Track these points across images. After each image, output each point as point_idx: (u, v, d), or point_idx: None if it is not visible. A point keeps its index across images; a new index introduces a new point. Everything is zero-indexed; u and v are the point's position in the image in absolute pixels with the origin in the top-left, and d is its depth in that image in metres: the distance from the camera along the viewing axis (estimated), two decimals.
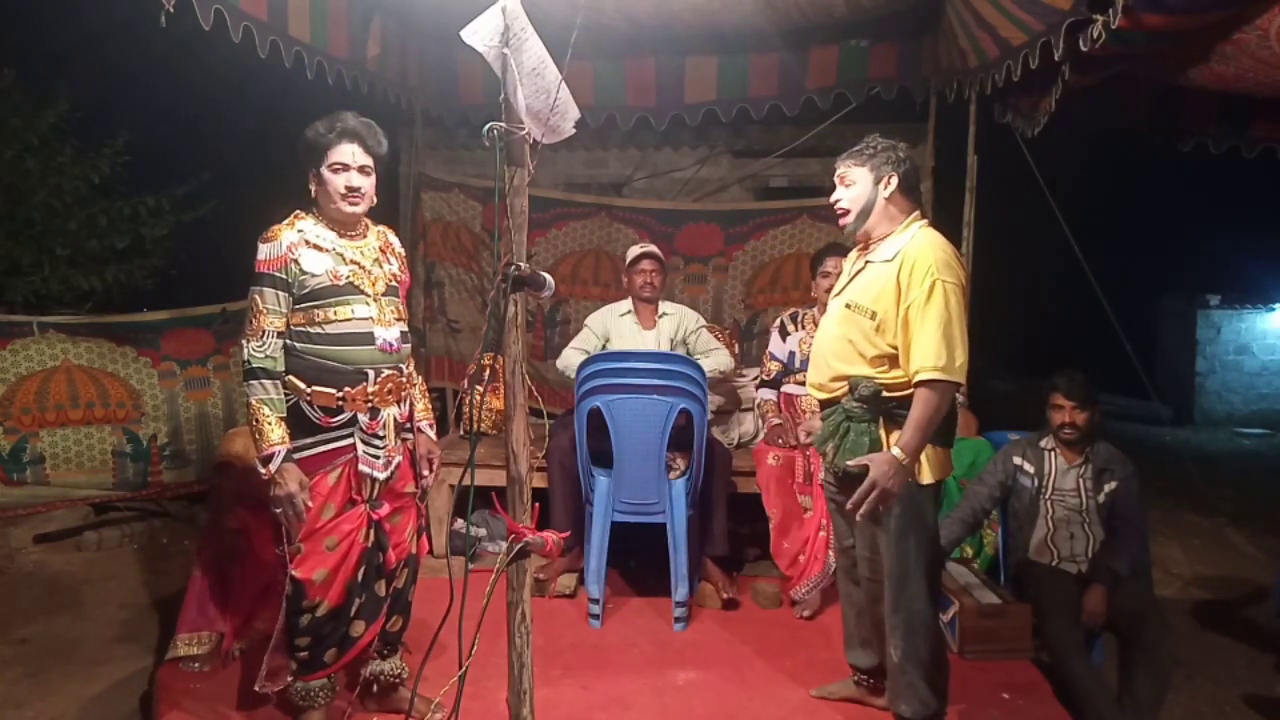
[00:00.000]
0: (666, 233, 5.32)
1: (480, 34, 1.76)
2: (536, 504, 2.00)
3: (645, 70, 5.11)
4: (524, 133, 1.79)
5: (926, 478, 2.50)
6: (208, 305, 5.15)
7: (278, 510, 2.41)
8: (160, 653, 3.33)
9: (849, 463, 2.49)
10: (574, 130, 1.90)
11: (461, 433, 4.82)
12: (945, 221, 4.80)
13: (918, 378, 2.41)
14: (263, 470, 2.38)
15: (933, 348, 2.38)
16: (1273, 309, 12.66)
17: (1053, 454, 3.45)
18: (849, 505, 2.48)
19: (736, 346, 4.98)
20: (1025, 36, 3.36)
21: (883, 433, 2.51)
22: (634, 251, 4.26)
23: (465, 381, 4.83)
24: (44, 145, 4.78)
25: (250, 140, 5.28)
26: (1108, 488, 3.37)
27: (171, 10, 2.86)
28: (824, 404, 2.71)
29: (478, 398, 4.13)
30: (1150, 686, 3.02)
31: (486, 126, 1.79)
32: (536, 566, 3.79)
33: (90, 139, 5.00)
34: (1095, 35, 2.76)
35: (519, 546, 1.91)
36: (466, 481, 2.96)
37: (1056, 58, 3.08)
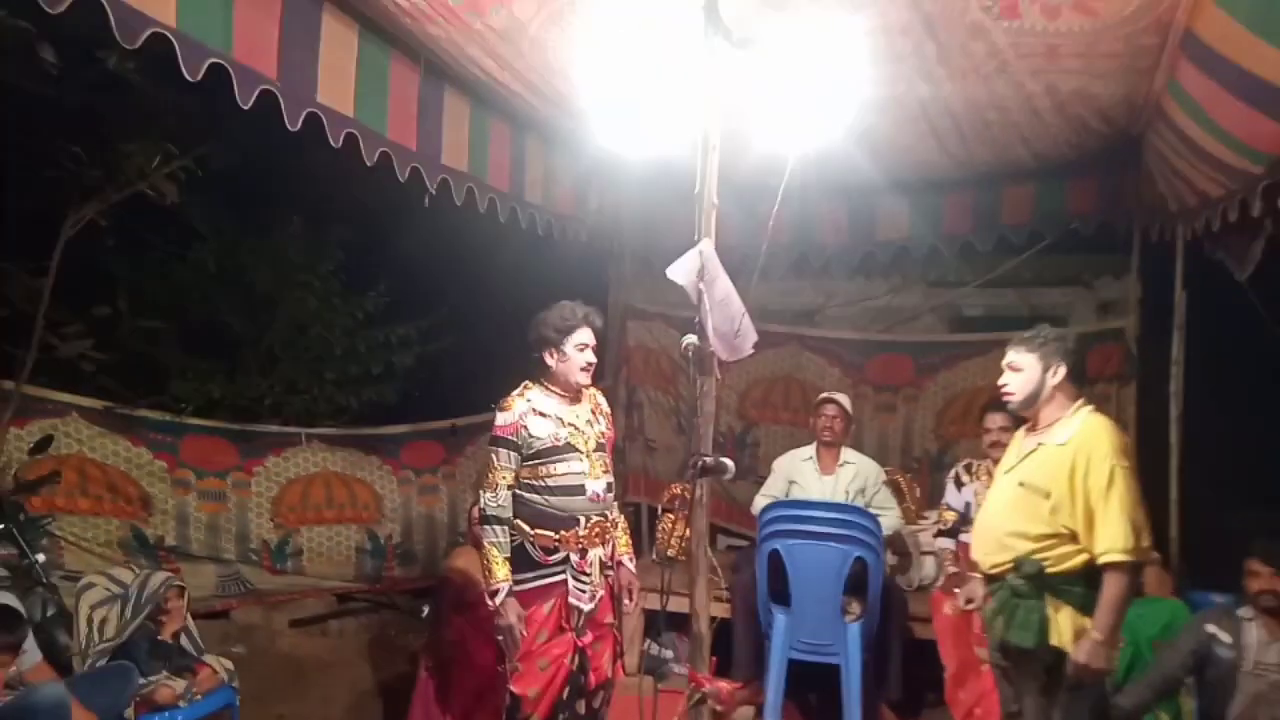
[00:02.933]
0: (857, 362, 5.46)
1: (682, 271, 2.18)
2: (714, 657, 2.30)
3: (837, 212, 5.28)
4: (711, 350, 2.16)
5: None
6: (439, 420, 5.82)
7: (499, 638, 2.85)
8: None
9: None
10: (752, 350, 2.26)
11: (654, 557, 5.15)
12: (1151, 359, 4.57)
13: (1106, 558, 2.54)
14: (490, 603, 2.84)
15: (1121, 531, 2.53)
16: None
17: (1252, 624, 3.30)
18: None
19: (918, 490, 5.02)
20: (1222, 191, 3.32)
21: (1050, 610, 2.63)
22: (821, 396, 4.50)
23: (660, 509, 5.19)
24: (323, 285, 5.73)
25: (473, 284, 6.09)
26: None
27: (434, 192, 3.56)
28: (989, 578, 2.85)
29: (669, 528, 4.45)
30: None
31: (684, 344, 2.18)
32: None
33: (355, 280, 5.93)
34: None
35: (699, 695, 2.22)
36: (655, 605, 3.26)
37: (1255, 214, 3.03)
